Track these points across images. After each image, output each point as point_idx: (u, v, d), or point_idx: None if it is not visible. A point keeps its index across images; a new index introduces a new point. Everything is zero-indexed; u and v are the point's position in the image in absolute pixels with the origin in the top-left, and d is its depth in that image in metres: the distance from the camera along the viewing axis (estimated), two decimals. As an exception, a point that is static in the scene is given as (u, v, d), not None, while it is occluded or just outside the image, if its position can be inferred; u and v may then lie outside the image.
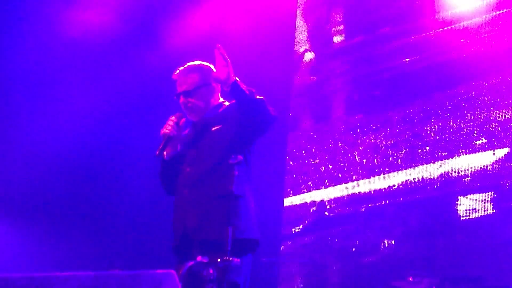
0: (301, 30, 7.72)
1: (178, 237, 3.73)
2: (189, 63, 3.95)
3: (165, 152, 3.80)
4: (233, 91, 3.58)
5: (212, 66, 3.86)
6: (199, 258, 3.29)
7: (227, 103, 3.92)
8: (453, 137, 6.49)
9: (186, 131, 3.97)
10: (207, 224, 3.62)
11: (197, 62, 3.95)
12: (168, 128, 3.76)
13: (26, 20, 6.97)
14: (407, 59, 6.84)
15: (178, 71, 3.93)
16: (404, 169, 6.69)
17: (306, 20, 7.69)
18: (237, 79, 3.61)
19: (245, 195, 3.59)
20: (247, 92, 3.59)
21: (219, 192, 3.59)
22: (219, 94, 3.96)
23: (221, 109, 3.89)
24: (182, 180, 3.79)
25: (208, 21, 7.43)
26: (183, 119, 3.84)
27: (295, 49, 7.67)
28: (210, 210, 3.63)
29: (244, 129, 3.72)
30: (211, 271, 3.26)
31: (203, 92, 3.86)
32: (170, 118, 3.82)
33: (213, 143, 3.78)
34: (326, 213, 7.08)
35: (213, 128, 3.80)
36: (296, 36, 7.69)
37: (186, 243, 3.68)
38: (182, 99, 3.87)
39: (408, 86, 6.89)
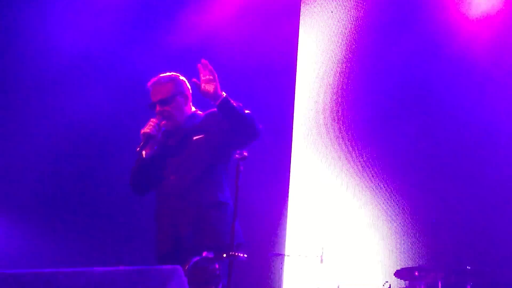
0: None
1: (167, 246, 3.76)
2: (162, 74, 4.04)
3: (144, 152, 3.87)
4: (222, 106, 3.67)
5: (183, 78, 4.01)
6: (204, 254, 3.31)
7: (199, 112, 4.02)
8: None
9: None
10: (201, 232, 3.68)
11: (169, 73, 4.04)
12: (149, 127, 3.83)
13: (24, 19, 6.98)
14: None
15: (152, 82, 4.01)
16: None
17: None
18: (224, 94, 3.69)
19: (229, 201, 3.74)
20: (237, 108, 3.67)
21: (208, 200, 3.73)
22: (191, 103, 4.05)
23: (197, 119, 3.97)
24: (166, 188, 3.85)
25: (211, 20, 7.43)
26: (164, 122, 3.90)
27: (298, 52, 7.61)
28: (202, 218, 3.71)
29: (231, 141, 3.83)
30: (216, 266, 3.28)
31: (178, 100, 3.94)
32: (151, 120, 3.89)
33: (196, 151, 3.85)
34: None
35: (195, 138, 3.87)
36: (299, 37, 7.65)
37: (179, 251, 3.70)
38: (158, 108, 3.93)
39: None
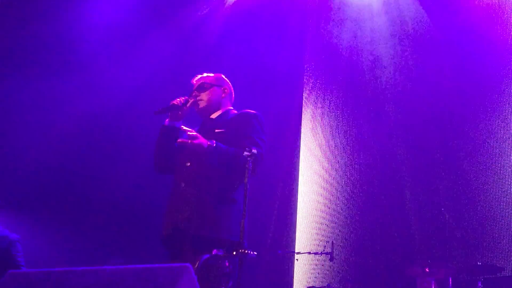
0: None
1: (168, 229, 3.79)
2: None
3: (167, 120, 3.97)
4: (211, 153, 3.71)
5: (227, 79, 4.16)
6: (214, 251, 3.31)
7: (235, 111, 4.08)
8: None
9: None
10: (200, 221, 3.68)
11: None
12: (177, 99, 3.95)
13: (27, 15, 7.01)
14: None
15: (197, 76, 4.16)
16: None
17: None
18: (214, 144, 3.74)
19: (238, 200, 3.72)
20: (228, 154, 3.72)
21: (216, 193, 3.73)
22: (230, 102, 4.15)
23: (229, 115, 4.04)
24: (180, 173, 3.89)
25: (219, 26, 7.45)
26: (193, 100, 4.00)
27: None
28: (206, 208, 3.71)
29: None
30: (226, 263, 3.27)
31: (215, 90, 4.08)
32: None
33: None
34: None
35: (217, 130, 3.91)
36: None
37: (177, 235, 3.73)
38: (194, 94, 4.06)
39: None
